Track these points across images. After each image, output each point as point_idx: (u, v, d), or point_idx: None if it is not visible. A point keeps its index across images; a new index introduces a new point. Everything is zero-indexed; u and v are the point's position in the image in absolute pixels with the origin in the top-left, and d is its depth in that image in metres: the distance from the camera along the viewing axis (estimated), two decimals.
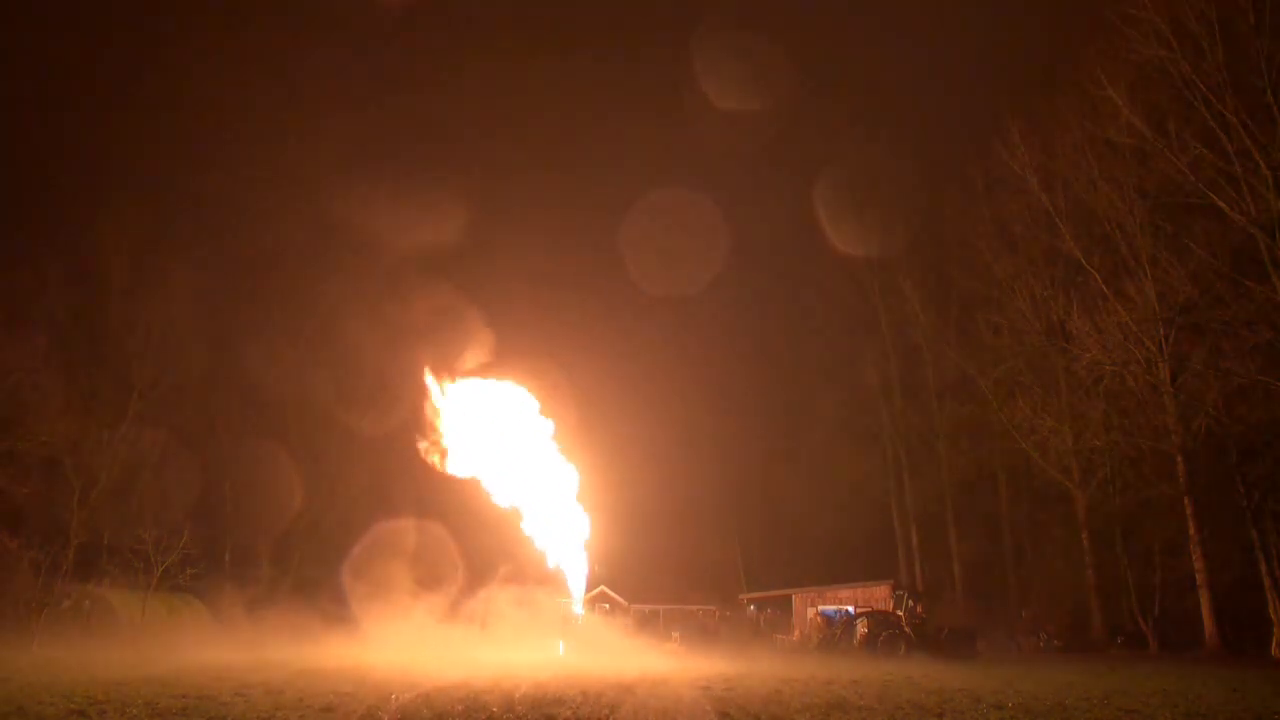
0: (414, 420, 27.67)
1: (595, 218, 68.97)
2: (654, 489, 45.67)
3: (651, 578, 48.25)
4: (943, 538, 43.26)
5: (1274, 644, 27.41)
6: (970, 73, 52.18)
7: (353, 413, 41.81)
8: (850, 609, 36.41)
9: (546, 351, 35.64)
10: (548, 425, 27.49)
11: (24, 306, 34.86)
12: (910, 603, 30.20)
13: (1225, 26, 26.28)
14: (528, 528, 27.16)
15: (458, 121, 72.64)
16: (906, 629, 28.72)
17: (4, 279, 34.02)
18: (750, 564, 52.89)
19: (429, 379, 27.20)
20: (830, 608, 39.62)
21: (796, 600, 43.04)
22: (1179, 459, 29.77)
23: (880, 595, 36.86)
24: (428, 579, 31.17)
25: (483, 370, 27.86)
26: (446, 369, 27.67)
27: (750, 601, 47.85)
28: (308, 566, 42.38)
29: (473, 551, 33.40)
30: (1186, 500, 29.81)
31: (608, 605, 45.26)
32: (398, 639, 25.35)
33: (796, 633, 39.96)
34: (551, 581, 27.88)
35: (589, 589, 36.20)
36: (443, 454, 26.81)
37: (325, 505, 43.37)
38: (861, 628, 29.83)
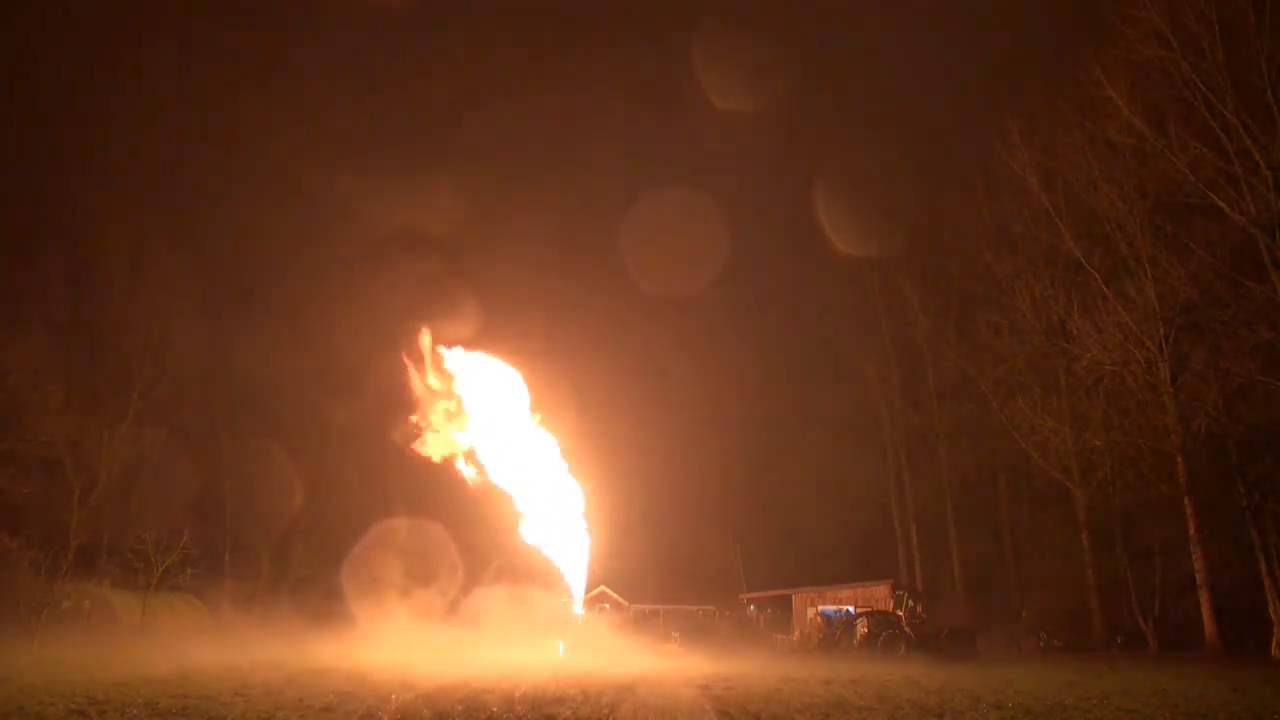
0: (413, 417, 27.68)
1: (595, 218, 69.03)
2: (654, 489, 45.73)
3: (651, 578, 48.29)
4: (943, 538, 43.24)
5: (1274, 644, 27.39)
6: (970, 73, 52.18)
7: (351, 409, 41.82)
8: (850, 609, 36.40)
9: (547, 352, 35.68)
10: (547, 425, 27.55)
11: (24, 306, 34.92)
12: (910, 603, 30.22)
13: (1225, 26, 26.23)
14: (527, 528, 27.19)
15: (458, 122, 72.62)
16: (906, 629, 28.72)
17: (4, 279, 34.09)
18: (750, 564, 52.86)
19: (430, 379, 27.23)
20: (830, 608, 39.60)
21: (796, 600, 43.02)
22: (1179, 459, 29.74)
23: (880, 595, 36.86)
24: (427, 578, 31.18)
25: (482, 369, 27.88)
26: (447, 368, 27.71)
27: (750, 601, 47.81)
28: (307, 566, 42.41)
29: (472, 552, 33.43)
30: (1186, 500, 29.79)
31: (607, 605, 45.27)
32: (397, 638, 25.36)
33: (796, 633, 39.95)
34: (551, 581, 27.90)
35: (589, 589, 36.21)
36: (443, 452, 26.86)
37: (324, 505, 43.38)
38: (861, 628, 29.84)
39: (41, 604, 27.66)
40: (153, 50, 61.08)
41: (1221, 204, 26.40)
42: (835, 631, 33.38)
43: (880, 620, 29.87)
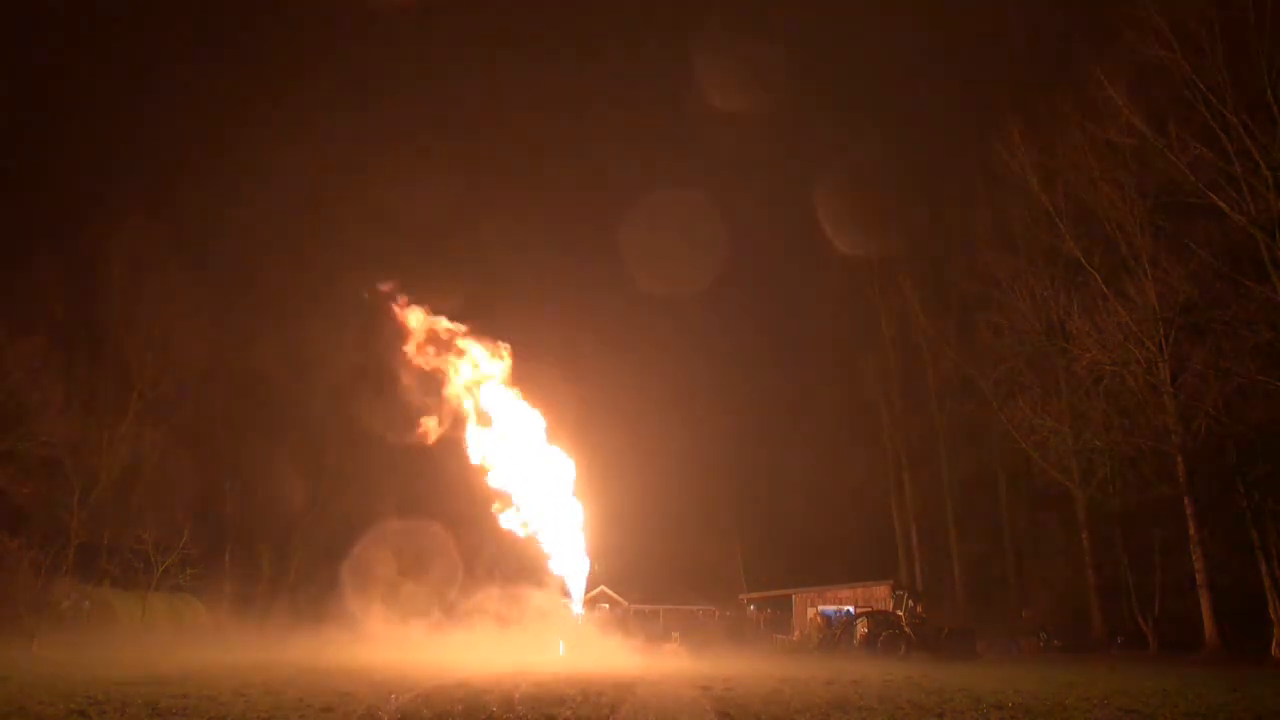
0: (413, 415, 27.69)
1: (595, 218, 69.03)
2: (654, 489, 45.74)
3: (651, 578, 48.30)
4: (943, 538, 43.25)
5: (1274, 644, 27.39)
6: (970, 72, 52.15)
7: (354, 410, 41.80)
8: (850, 609, 36.42)
9: (546, 352, 35.67)
10: (546, 423, 27.54)
11: (24, 306, 34.90)
12: (910, 603, 30.24)
13: (1226, 26, 26.24)
14: (528, 528, 27.19)
15: (458, 123, 72.63)
16: (906, 629, 28.74)
17: (4, 279, 34.09)
18: (750, 564, 52.88)
19: (428, 367, 27.24)
20: (830, 608, 39.62)
21: (796, 600, 43.04)
22: (1179, 459, 29.74)
23: (880, 595, 36.86)
24: (427, 578, 31.18)
25: (482, 371, 27.88)
26: (448, 368, 27.70)
27: (750, 601, 47.83)
28: (307, 566, 42.39)
29: (472, 552, 33.42)
30: (1186, 500, 29.78)
31: (607, 605, 45.27)
32: (397, 638, 25.35)
33: (796, 633, 39.99)
34: (548, 580, 27.89)
35: (589, 589, 36.19)
36: (445, 448, 26.89)
37: (324, 505, 43.38)
38: (861, 628, 29.86)
39: (41, 604, 27.68)
40: (154, 51, 61.16)
41: (1221, 204, 26.40)
42: (835, 631, 33.43)
43: (880, 620, 29.89)
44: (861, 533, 46.11)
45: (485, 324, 27.99)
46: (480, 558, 32.52)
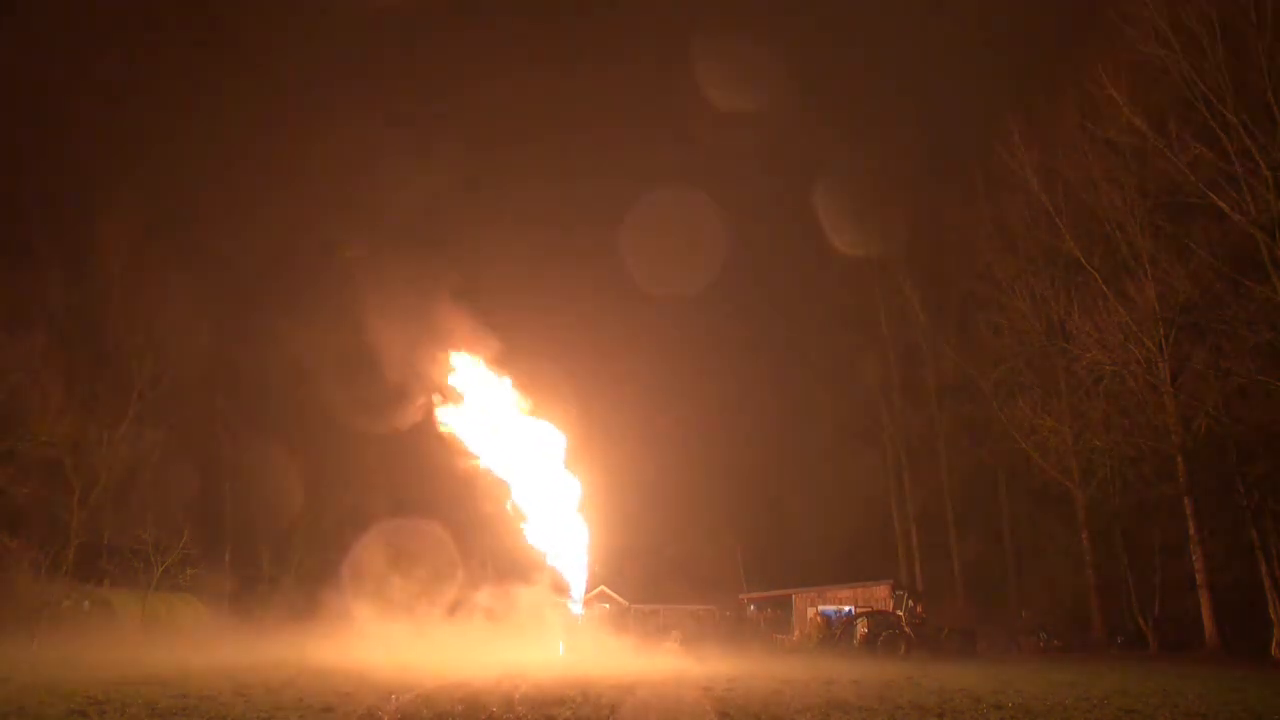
0: (413, 413, 27.67)
1: (595, 218, 69.00)
2: (654, 489, 45.71)
3: (651, 578, 48.28)
4: (943, 538, 43.22)
5: (1274, 644, 27.39)
6: (970, 72, 52.15)
7: (353, 408, 41.75)
8: (850, 609, 36.41)
9: (547, 352, 35.64)
10: (548, 426, 27.54)
11: (24, 306, 34.86)
12: (910, 603, 30.25)
13: (1226, 26, 26.24)
14: (528, 528, 27.19)
15: (458, 123, 72.61)
16: (906, 629, 28.75)
17: (4, 279, 34.02)
18: (750, 564, 52.87)
19: (429, 368, 27.26)
20: (830, 608, 39.61)
21: (796, 600, 43.02)
22: (1179, 459, 29.73)
23: (880, 595, 36.85)
24: (427, 578, 31.15)
25: (483, 370, 27.88)
26: (448, 366, 27.70)
27: (750, 601, 47.82)
28: (308, 566, 42.36)
29: (472, 551, 33.42)
30: (1186, 500, 29.79)
31: (608, 605, 45.27)
32: (397, 638, 25.31)
33: (796, 633, 39.97)
34: (551, 580, 27.88)
35: (589, 589, 36.19)
36: (445, 445, 26.90)
37: (325, 504, 43.35)
38: (861, 628, 29.87)
39: (41, 604, 27.67)
40: (152, 48, 61.14)
41: (1221, 204, 26.40)
42: (835, 631, 33.42)
43: (880, 620, 29.89)
44: (861, 533, 46.07)
45: (482, 322, 27.99)
46: (480, 557, 32.53)
